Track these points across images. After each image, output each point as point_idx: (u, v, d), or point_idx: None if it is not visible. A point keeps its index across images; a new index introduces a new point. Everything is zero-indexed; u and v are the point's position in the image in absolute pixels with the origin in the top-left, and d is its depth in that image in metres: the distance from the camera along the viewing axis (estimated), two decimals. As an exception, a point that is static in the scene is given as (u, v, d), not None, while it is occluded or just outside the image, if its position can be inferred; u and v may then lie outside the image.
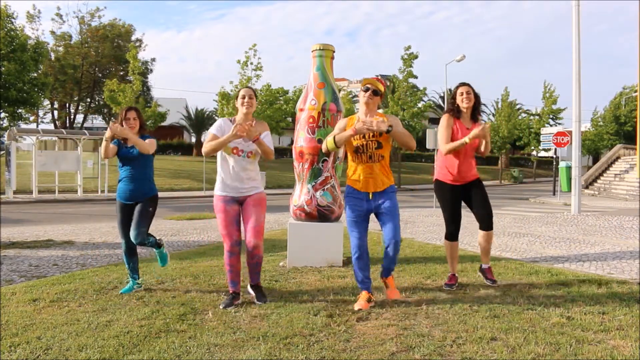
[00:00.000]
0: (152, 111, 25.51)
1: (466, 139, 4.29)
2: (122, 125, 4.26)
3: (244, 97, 4.02)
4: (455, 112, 4.50)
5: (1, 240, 7.57)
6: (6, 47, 19.00)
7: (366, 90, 3.89)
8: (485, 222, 4.54)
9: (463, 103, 4.44)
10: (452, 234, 4.60)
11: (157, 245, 4.47)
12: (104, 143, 4.26)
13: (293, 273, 5.13)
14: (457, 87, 4.56)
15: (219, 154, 4.02)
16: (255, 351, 2.97)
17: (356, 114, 4.05)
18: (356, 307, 3.81)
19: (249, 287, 4.18)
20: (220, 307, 3.90)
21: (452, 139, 4.41)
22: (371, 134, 3.79)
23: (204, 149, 3.96)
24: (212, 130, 4.01)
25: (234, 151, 3.98)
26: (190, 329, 3.38)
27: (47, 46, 26.54)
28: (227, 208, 4.01)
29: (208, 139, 3.98)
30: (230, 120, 4.07)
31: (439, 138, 4.49)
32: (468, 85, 4.53)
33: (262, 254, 4.11)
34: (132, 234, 4.28)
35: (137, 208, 4.32)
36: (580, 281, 4.68)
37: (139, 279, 4.50)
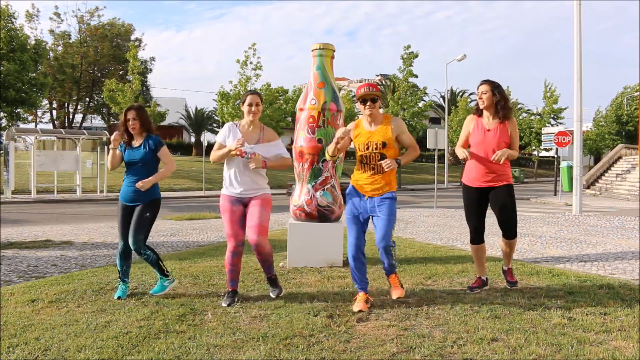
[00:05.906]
0: (151, 111, 25.59)
1: (466, 153, 4.18)
2: (125, 126, 4.09)
3: (250, 105, 4.02)
4: (478, 111, 4.30)
5: (0, 240, 7.55)
6: (6, 47, 18.97)
7: (364, 102, 3.80)
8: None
9: (479, 104, 4.26)
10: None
11: (163, 273, 4.27)
12: (110, 153, 4.19)
13: (293, 273, 5.11)
14: (478, 86, 4.30)
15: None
16: (255, 352, 2.96)
17: (361, 119, 3.99)
18: (355, 308, 3.76)
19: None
20: (224, 305, 3.89)
21: (472, 139, 4.26)
22: (374, 147, 3.79)
23: (211, 158, 4.12)
24: (218, 138, 4.13)
25: (237, 153, 3.96)
26: (189, 329, 3.37)
27: (45, 45, 26.55)
28: (233, 208, 4.02)
29: (215, 147, 4.11)
30: (236, 125, 4.12)
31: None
32: (487, 83, 4.23)
33: (267, 250, 4.10)
34: (130, 239, 4.10)
35: (136, 212, 4.12)
36: (581, 282, 4.67)
37: (129, 282, 4.33)
